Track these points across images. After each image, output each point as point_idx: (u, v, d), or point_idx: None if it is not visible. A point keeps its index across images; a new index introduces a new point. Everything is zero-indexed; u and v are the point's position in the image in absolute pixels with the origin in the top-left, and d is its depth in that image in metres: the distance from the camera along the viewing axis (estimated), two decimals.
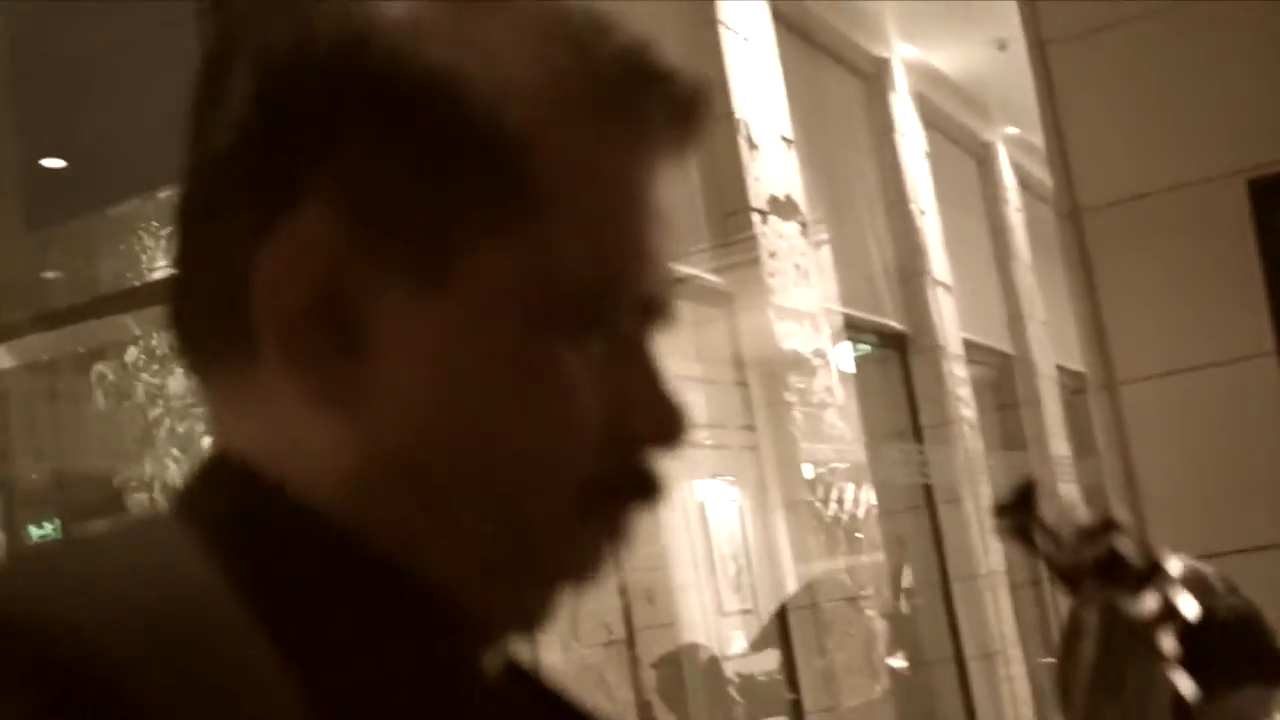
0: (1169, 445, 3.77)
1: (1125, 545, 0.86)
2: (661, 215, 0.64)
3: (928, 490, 6.39)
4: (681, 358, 4.86)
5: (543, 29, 0.62)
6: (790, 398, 4.88)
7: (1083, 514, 0.88)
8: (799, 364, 5.00)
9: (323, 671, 0.57)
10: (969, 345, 6.64)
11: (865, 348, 6.25)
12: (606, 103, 0.62)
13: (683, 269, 4.73)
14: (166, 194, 4.71)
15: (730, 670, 5.03)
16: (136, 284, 4.94)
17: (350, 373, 0.60)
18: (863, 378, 6.09)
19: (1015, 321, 7.47)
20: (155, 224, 5.10)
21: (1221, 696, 1.62)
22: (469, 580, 0.62)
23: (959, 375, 6.44)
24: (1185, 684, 0.85)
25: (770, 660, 5.08)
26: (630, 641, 4.32)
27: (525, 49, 0.62)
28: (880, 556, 5.44)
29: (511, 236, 0.60)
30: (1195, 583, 1.53)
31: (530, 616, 0.65)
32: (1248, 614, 1.73)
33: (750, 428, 5.01)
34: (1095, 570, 0.85)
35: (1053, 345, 7.61)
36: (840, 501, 5.15)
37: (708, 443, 5.13)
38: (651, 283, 0.64)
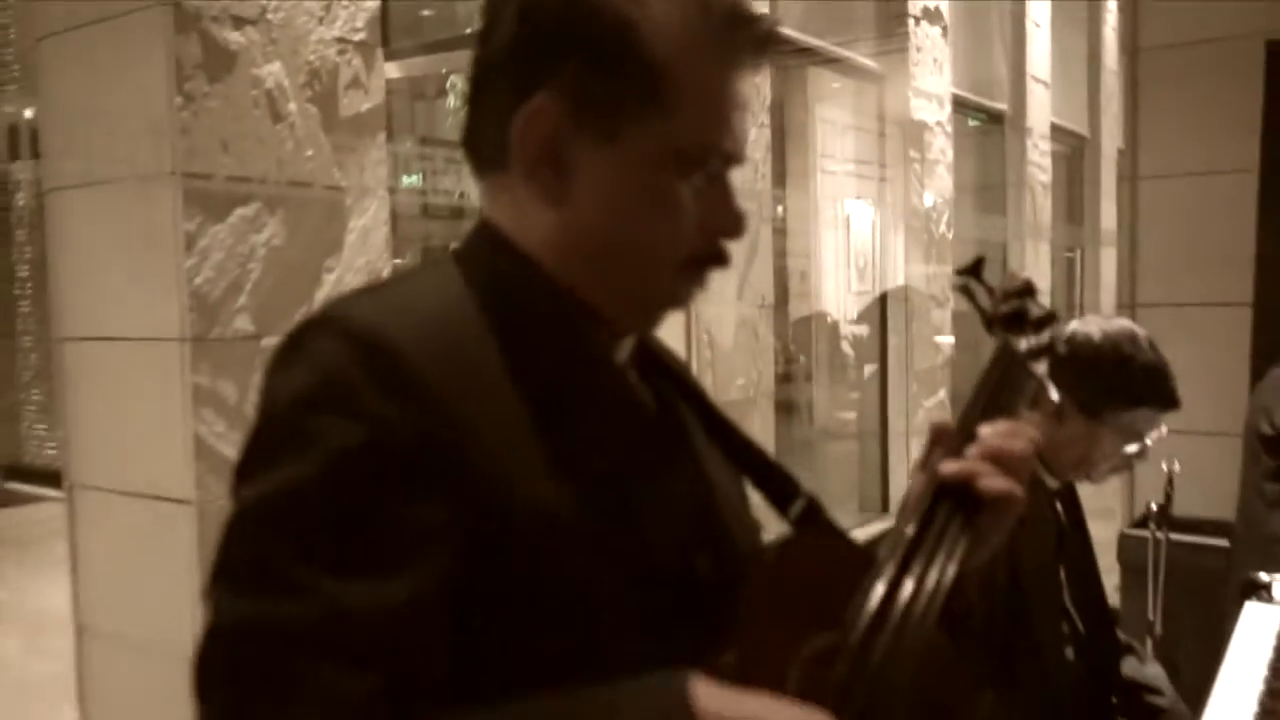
0: (1170, 225, 4.42)
1: (1032, 304, 0.96)
2: (743, 103, 0.82)
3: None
4: (842, 111, 5.39)
5: None
6: (914, 154, 5.15)
7: (1014, 280, 0.98)
8: (925, 129, 5.22)
9: (535, 354, 0.79)
10: (1055, 127, 6.67)
11: (976, 122, 6.30)
12: (716, 38, 0.80)
13: (849, 53, 5.08)
14: None
15: (845, 331, 5.46)
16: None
17: (561, 185, 0.80)
18: (970, 144, 6.21)
19: (1094, 112, 7.41)
20: None
21: (1125, 410, 1.81)
22: (615, 305, 0.83)
23: (1043, 148, 6.55)
24: (1052, 392, 0.97)
25: (871, 328, 5.33)
26: (780, 305, 4.63)
27: (671, 5, 0.80)
28: (949, 267, 5.39)
29: (655, 116, 0.79)
30: (1129, 339, 1.79)
31: (648, 325, 0.88)
32: (1157, 363, 1.85)
33: (885, 166, 5.28)
34: (1005, 320, 0.96)
35: (1120, 133, 7.05)
36: (943, 228, 5.37)
37: (854, 172, 5.49)
38: (733, 143, 0.82)
